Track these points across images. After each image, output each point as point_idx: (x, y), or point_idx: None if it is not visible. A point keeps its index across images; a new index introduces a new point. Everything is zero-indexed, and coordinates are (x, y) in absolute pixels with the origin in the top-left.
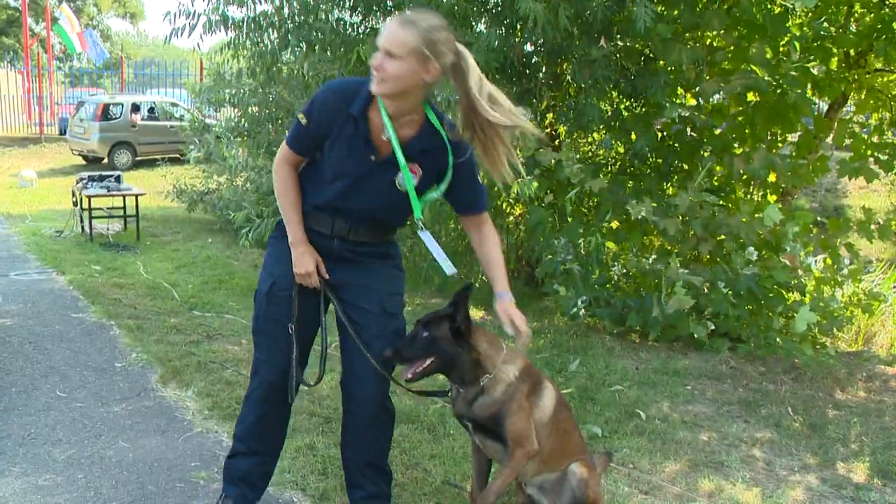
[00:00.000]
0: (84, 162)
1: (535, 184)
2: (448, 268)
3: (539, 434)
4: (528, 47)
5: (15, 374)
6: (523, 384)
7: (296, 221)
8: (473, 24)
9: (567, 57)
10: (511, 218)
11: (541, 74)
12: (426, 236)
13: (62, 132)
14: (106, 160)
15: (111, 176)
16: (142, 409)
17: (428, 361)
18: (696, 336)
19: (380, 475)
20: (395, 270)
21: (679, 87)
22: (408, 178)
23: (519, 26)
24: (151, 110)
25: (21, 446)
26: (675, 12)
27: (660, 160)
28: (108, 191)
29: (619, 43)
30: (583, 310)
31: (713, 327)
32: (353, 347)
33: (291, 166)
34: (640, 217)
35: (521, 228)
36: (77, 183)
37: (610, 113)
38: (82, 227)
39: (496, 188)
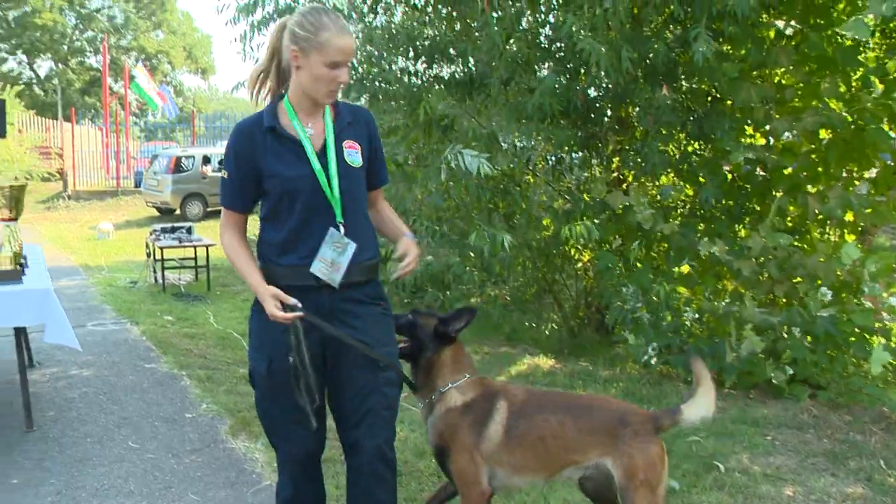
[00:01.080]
0: (158, 213)
1: (593, 225)
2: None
3: (500, 457)
4: (592, 91)
5: (90, 424)
6: (467, 416)
7: (253, 271)
8: (536, 69)
9: (631, 101)
10: (580, 264)
11: (606, 119)
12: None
13: (137, 185)
14: (178, 211)
15: (183, 228)
16: (211, 461)
17: (401, 343)
18: (774, 382)
19: None
20: (385, 316)
21: (748, 127)
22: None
23: (582, 71)
24: (221, 162)
25: (95, 497)
26: (742, 51)
27: (730, 202)
28: (180, 242)
29: (684, 84)
30: (654, 357)
31: (791, 373)
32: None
33: (235, 226)
34: (712, 259)
35: (590, 275)
36: (150, 235)
37: (677, 157)
38: (155, 278)
39: (564, 232)
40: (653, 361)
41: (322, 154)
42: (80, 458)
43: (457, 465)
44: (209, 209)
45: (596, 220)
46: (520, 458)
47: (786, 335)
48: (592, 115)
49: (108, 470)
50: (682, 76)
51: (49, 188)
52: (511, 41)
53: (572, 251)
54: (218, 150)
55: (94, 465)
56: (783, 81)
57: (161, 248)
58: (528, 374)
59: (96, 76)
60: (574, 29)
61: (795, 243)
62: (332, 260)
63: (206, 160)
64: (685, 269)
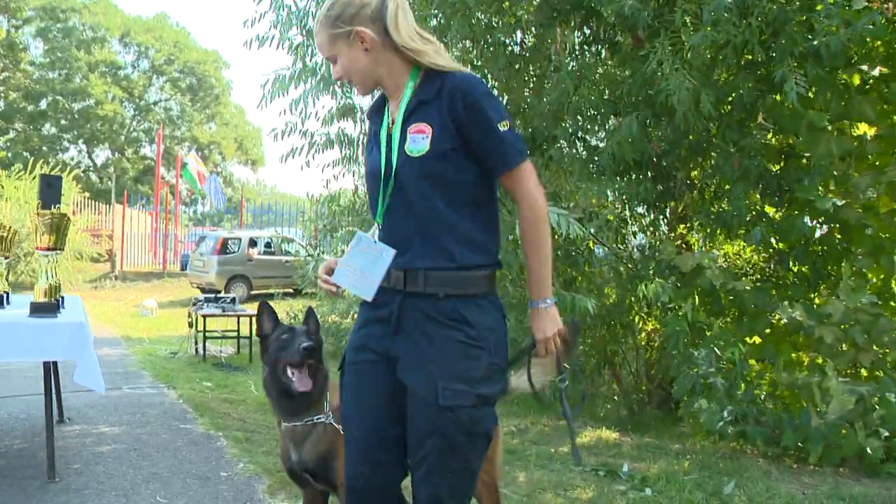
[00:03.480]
0: (202, 294)
1: (665, 284)
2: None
3: None
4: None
5: (117, 478)
6: None
7: None
8: (609, 120)
9: (706, 155)
10: (643, 334)
11: (679, 174)
12: (361, 240)
13: (183, 267)
14: (223, 293)
15: (226, 298)
16: None
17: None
18: (868, 451)
19: None
20: (471, 346)
21: (828, 182)
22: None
23: (653, 125)
24: (268, 245)
25: None
26: (828, 96)
27: (804, 268)
28: (223, 311)
29: (757, 140)
30: (730, 427)
31: (886, 443)
32: None
33: None
34: (789, 327)
35: (653, 346)
36: (193, 305)
37: (754, 214)
38: (196, 350)
39: (629, 300)
40: (728, 431)
41: (388, 144)
42: None
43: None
44: (253, 292)
45: (665, 281)
46: None
47: (875, 406)
48: (664, 168)
49: None
50: (760, 123)
51: (97, 268)
52: (580, 89)
53: (636, 318)
54: (264, 233)
55: None
56: (867, 133)
57: (204, 317)
58: (591, 446)
59: (150, 165)
60: (658, 66)
61: (879, 309)
62: (361, 269)
63: (253, 243)
64: (756, 339)
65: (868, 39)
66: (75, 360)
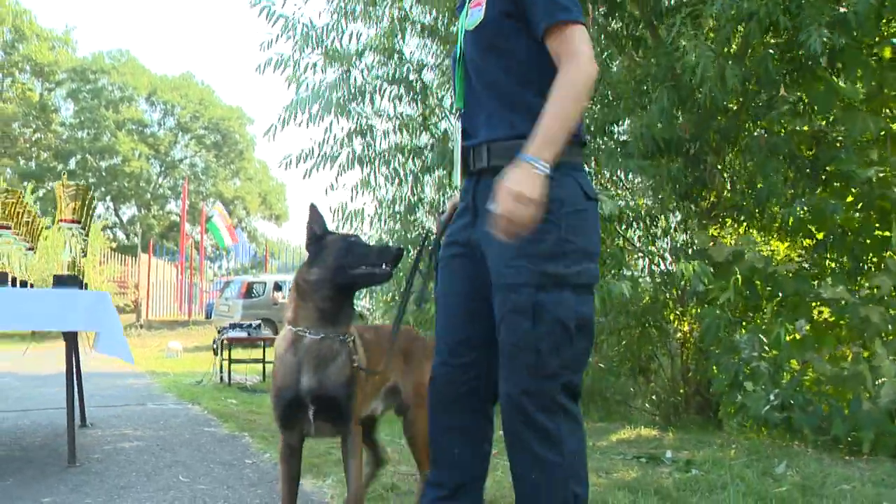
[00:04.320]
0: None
1: (699, 266)
2: None
3: None
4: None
5: (138, 464)
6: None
7: None
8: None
9: (736, 140)
10: (679, 334)
11: (709, 159)
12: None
13: (208, 316)
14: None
15: (251, 325)
16: (272, 493)
17: None
18: None
19: None
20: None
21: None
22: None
23: (680, 107)
24: None
25: None
26: (859, 72)
27: (844, 258)
28: (248, 335)
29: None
30: (776, 414)
31: None
32: None
33: None
34: (830, 320)
35: (689, 349)
36: (218, 333)
37: (789, 197)
38: (221, 377)
39: (664, 297)
40: (775, 417)
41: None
42: (122, 485)
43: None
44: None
45: (698, 263)
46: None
47: None
48: (694, 153)
49: (152, 495)
50: (783, 96)
51: (123, 319)
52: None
53: (671, 316)
54: (289, 277)
55: (138, 492)
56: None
57: (230, 341)
58: (630, 441)
59: (175, 221)
60: (680, 43)
61: None
62: (454, 150)
63: (278, 287)
64: (797, 336)
65: None
66: (98, 330)
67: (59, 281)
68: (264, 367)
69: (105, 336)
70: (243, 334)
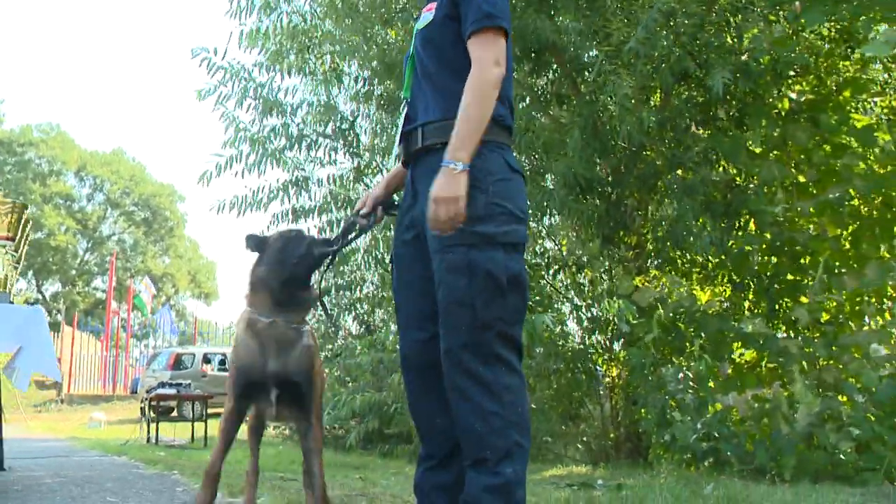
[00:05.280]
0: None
1: (624, 304)
2: None
3: None
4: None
5: (62, 492)
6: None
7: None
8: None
9: (654, 185)
10: (608, 379)
11: (628, 202)
12: None
13: (133, 391)
14: (175, 412)
15: (181, 383)
16: None
17: None
18: (842, 457)
19: None
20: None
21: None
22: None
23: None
24: (222, 362)
25: None
26: (762, 122)
27: (763, 302)
28: (178, 392)
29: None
30: (703, 444)
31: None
32: None
33: None
34: (757, 349)
35: (618, 393)
36: (147, 392)
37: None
38: (148, 438)
39: (589, 343)
40: (703, 447)
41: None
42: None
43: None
44: (209, 410)
45: (621, 303)
46: None
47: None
48: (616, 196)
49: None
50: (693, 133)
51: (43, 395)
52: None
53: (599, 360)
54: (219, 349)
55: None
56: (802, 163)
57: (158, 399)
58: (564, 476)
59: (101, 298)
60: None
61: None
62: (396, 133)
63: (207, 359)
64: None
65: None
66: (27, 347)
67: None
68: (193, 425)
69: (31, 352)
70: (172, 391)
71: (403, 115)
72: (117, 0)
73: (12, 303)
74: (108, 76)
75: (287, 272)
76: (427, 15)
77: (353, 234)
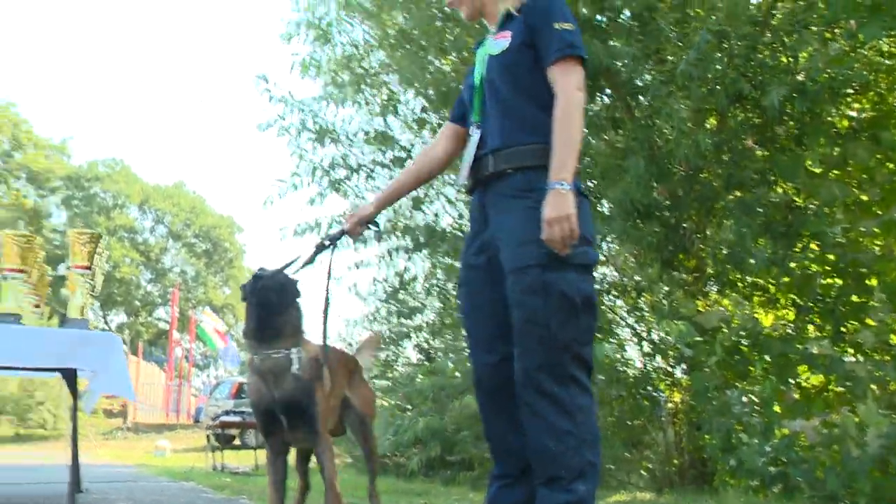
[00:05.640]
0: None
1: (685, 327)
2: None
3: None
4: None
5: None
6: None
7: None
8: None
9: (712, 207)
10: (670, 405)
11: (688, 225)
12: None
13: (196, 420)
14: (238, 440)
15: (244, 411)
16: None
17: None
18: None
19: None
20: (538, 209)
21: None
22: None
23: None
24: None
25: None
26: (821, 140)
27: (828, 326)
28: (243, 418)
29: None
30: (771, 468)
31: None
32: None
33: (444, 137)
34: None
35: (681, 418)
36: (212, 420)
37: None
38: (214, 466)
39: (651, 368)
40: (770, 471)
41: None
42: None
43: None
44: None
45: (681, 324)
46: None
47: None
48: (674, 220)
49: None
50: (751, 147)
51: (110, 423)
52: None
53: (662, 385)
54: None
55: None
56: (864, 182)
57: (223, 425)
58: (629, 503)
59: (163, 328)
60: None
61: None
62: (465, 159)
63: None
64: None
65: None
66: (104, 370)
67: (69, 324)
68: (256, 454)
69: (108, 375)
70: (237, 419)
71: (476, 140)
72: (172, 40)
73: (90, 329)
74: (168, 111)
75: (255, 308)
76: (502, 42)
77: (317, 252)
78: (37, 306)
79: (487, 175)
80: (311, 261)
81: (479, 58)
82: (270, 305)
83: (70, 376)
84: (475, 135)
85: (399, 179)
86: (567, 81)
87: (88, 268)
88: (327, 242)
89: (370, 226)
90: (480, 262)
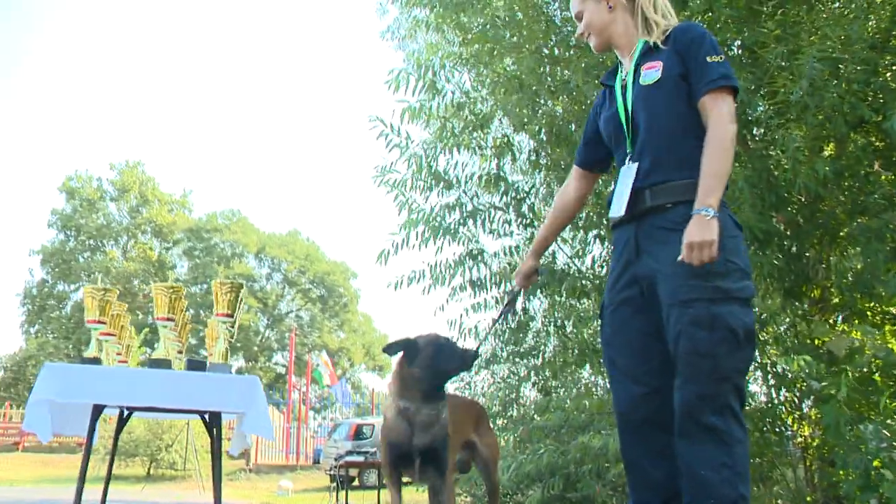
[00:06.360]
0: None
1: (806, 362)
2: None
3: None
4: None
5: None
6: None
7: (535, 240)
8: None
9: (836, 234)
10: (799, 440)
11: (810, 253)
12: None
13: (316, 461)
14: (357, 480)
15: (367, 451)
16: None
17: None
18: None
19: None
20: None
21: None
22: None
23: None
24: None
25: None
26: None
27: None
28: (365, 459)
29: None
30: None
31: None
32: None
33: (569, 179)
34: None
35: (812, 453)
36: (335, 461)
37: None
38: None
39: (775, 405)
40: None
41: (623, 92)
42: None
43: None
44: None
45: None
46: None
47: None
48: (795, 248)
49: None
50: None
51: (233, 464)
52: None
53: (790, 419)
54: None
55: None
56: None
57: (347, 465)
58: None
59: (280, 373)
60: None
61: None
62: (618, 191)
63: None
64: None
65: None
66: (249, 412)
67: (213, 369)
68: (379, 493)
69: (253, 417)
70: (360, 458)
71: (632, 173)
72: (281, 93)
73: (231, 374)
74: (281, 161)
75: (440, 378)
76: (653, 73)
77: (502, 316)
78: (179, 352)
79: (645, 209)
80: (499, 321)
81: (617, 89)
82: (446, 375)
83: (215, 419)
84: (631, 167)
85: (544, 228)
86: (720, 112)
87: (230, 315)
88: (509, 308)
89: (538, 274)
90: (631, 295)
